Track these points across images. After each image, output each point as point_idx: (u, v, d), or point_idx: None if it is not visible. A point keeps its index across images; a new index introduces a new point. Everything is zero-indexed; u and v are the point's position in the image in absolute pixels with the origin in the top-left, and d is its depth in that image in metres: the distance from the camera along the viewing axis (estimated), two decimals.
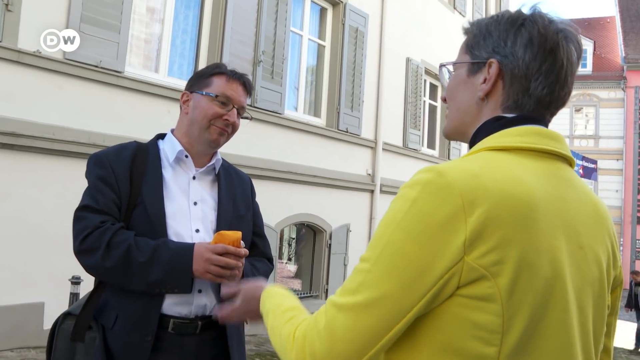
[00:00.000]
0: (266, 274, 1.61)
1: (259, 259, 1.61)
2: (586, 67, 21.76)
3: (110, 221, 1.41)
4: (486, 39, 0.88)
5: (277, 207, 6.12)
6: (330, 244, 7.14)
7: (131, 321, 1.39)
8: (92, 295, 1.45)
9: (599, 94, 21.80)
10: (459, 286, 0.73)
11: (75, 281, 3.67)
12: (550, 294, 0.75)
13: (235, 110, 1.56)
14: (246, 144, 5.56)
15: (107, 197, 1.42)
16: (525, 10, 0.88)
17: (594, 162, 14.43)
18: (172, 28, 5.42)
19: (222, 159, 1.64)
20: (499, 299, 0.72)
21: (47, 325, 4.13)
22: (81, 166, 4.97)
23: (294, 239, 7.27)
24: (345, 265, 7.36)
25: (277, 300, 0.96)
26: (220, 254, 1.37)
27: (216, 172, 1.61)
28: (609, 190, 20.30)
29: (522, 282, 0.73)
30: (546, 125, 0.88)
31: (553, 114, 0.90)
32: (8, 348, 3.97)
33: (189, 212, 1.50)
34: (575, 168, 0.93)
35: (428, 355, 0.76)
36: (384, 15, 8.04)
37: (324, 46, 7.33)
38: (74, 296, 3.67)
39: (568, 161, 0.88)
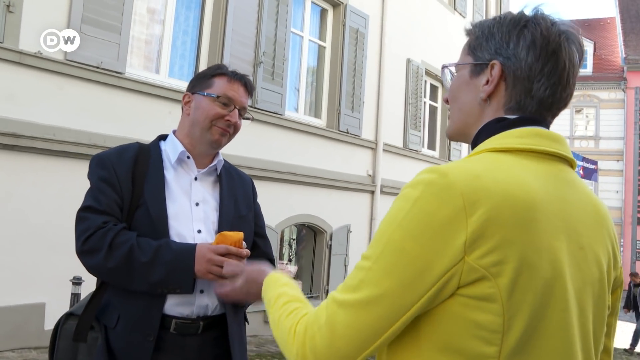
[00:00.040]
0: None
1: (261, 259, 1.61)
2: (586, 68, 21.77)
3: (112, 222, 1.41)
4: (489, 41, 0.89)
5: (277, 207, 6.13)
6: (330, 245, 7.14)
7: (133, 321, 1.40)
8: (94, 295, 1.45)
9: (599, 94, 21.80)
10: (459, 286, 0.74)
11: (77, 282, 3.67)
12: (551, 294, 0.76)
13: (236, 111, 1.56)
14: (247, 145, 5.57)
15: (109, 197, 1.43)
16: (528, 12, 0.89)
17: (594, 163, 14.43)
18: (172, 29, 5.43)
19: (224, 159, 1.65)
20: (499, 298, 0.73)
21: (48, 325, 4.13)
22: (82, 167, 4.97)
23: (294, 239, 7.27)
24: (345, 266, 7.36)
25: (280, 289, 0.96)
26: (222, 255, 1.38)
27: (218, 173, 1.62)
28: (609, 191, 20.30)
29: (523, 282, 0.74)
30: (548, 127, 0.89)
31: (555, 115, 0.90)
32: (9, 348, 3.98)
33: (191, 212, 1.51)
34: (576, 169, 0.94)
35: (430, 353, 0.76)
36: (384, 16, 8.05)
37: (325, 47, 7.33)
38: (75, 297, 3.68)
39: (569, 163, 0.88)
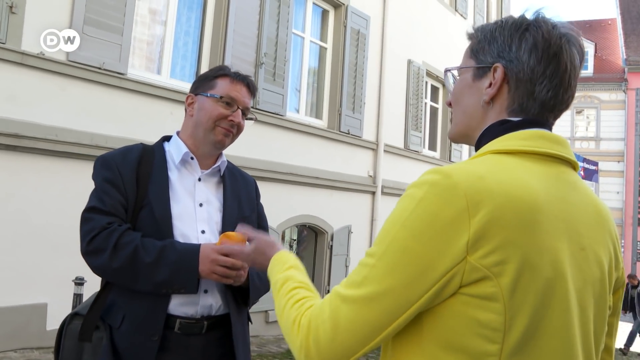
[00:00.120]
0: None
1: None
2: (587, 69, 21.77)
3: (117, 222, 1.42)
4: (491, 44, 0.90)
5: (278, 208, 6.13)
6: (331, 245, 7.15)
7: (138, 321, 1.41)
8: (99, 295, 1.46)
9: (600, 95, 21.81)
10: (461, 285, 0.75)
11: (79, 282, 3.68)
12: (552, 294, 0.77)
13: (239, 111, 1.57)
14: (248, 146, 5.58)
15: (113, 198, 1.44)
16: (529, 15, 0.90)
17: (595, 163, 14.43)
18: (174, 30, 5.44)
19: (227, 160, 1.66)
20: (501, 298, 0.74)
21: (50, 326, 4.15)
22: (84, 167, 5.00)
23: (295, 240, 7.28)
24: (346, 266, 7.37)
25: (287, 272, 0.98)
26: (226, 255, 1.39)
27: (221, 174, 1.63)
28: (609, 192, 20.30)
29: (524, 282, 0.75)
30: (550, 129, 0.90)
31: (557, 116, 0.92)
32: (11, 349, 3.99)
33: (195, 213, 1.52)
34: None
35: (432, 350, 0.78)
36: (385, 17, 8.06)
37: (326, 48, 7.35)
38: (77, 297, 3.69)
39: (572, 165, 0.89)
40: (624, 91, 21.25)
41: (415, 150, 8.87)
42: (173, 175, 1.54)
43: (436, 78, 9.70)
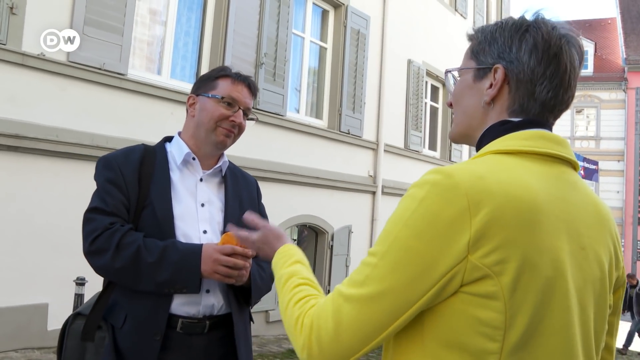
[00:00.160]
0: (272, 275, 1.62)
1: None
2: (587, 69, 21.77)
3: (119, 223, 1.43)
4: (491, 45, 0.91)
5: (279, 208, 6.14)
6: (332, 245, 7.15)
7: (140, 321, 1.41)
8: (101, 295, 1.47)
9: (600, 95, 21.81)
10: (462, 284, 0.76)
11: (80, 282, 3.69)
12: (552, 293, 0.78)
13: (241, 112, 1.58)
14: (248, 146, 5.58)
15: (116, 199, 1.44)
16: (529, 17, 0.91)
17: (595, 163, 14.43)
18: (174, 30, 5.45)
19: (229, 161, 1.66)
20: (501, 296, 0.75)
21: (51, 326, 4.15)
22: (84, 168, 4.99)
23: (295, 240, 7.28)
24: (347, 266, 7.37)
25: (292, 267, 0.98)
26: (228, 255, 1.40)
27: (223, 174, 1.63)
28: (610, 192, 20.31)
29: (524, 281, 0.76)
30: (550, 129, 0.91)
31: (557, 117, 0.92)
32: (12, 349, 3.99)
33: (197, 213, 1.53)
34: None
35: (433, 348, 0.79)
36: (385, 17, 8.07)
37: (326, 48, 7.35)
38: (78, 297, 3.69)
39: (572, 165, 0.90)
40: (623, 90, 21.25)
41: (416, 150, 8.88)
42: (175, 175, 1.54)
43: (436, 78, 9.71)
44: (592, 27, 23.93)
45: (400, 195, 8.41)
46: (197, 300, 1.46)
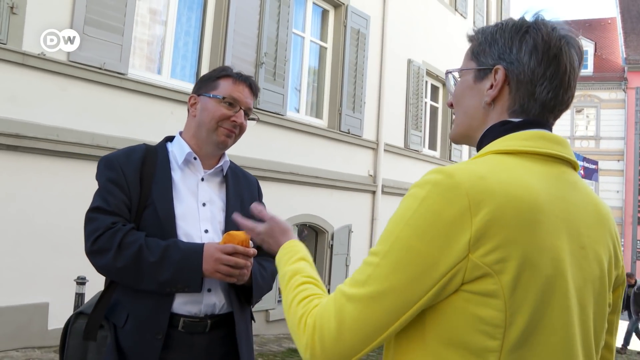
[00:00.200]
0: (273, 274, 1.63)
1: (266, 258, 1.63)
2: (587, 68, 21.78)
3: (121, 222, 1.43)
4: (492, 46, 0.92)
5: (279, 208, 6.14)
6: (332, 245, 7.16)
7: (142, 320, 1.42)
8: (103, 294, 1.47)
9: (599, 94, 21.82)
10: (463, 282, 0.77)
11: (81, 281, 3.69)
12: (552, 292, 0.79)
13: (242, 112, 1.58)
14: (248, 146, 5.58)
15: (117, 198, 1.45)
16: (529, 18, 0.92)
17: (595, 162, 14.43)
18: (175, 30, 5.45)
19: (230, 160, 1.67)
20: (502, 295, 0.76)
21: (52, 325, 4.16)
22: (85, 167, 4.99)
23: None
24: (347, 265, 7.38)
25: (296, 264, 0.99)
26: (230, 254, 1.40)
27: (224, 174, 1.64)
28: (609, 191, 20.32)
29: (525, 280, 0.76)
30: (550, 129, 0.91)
31: (557, 117, 0.93)
32: (13, 348, 4.00)
33: (198, 213, 1.53)
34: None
35: (434, 347, 0.79)
36: (385, 17, 8.07)
37: (326, 48, 7.36)
38: (79, 296, 3.70)
39: (572, 165, 0.91)
40: (623, 90, 21.26)
41: (416, 149, 8.88)
42: (176, 175, 1.55)
43: (436, 77, 9.71)
44: (592, 27, 23.94)
45: (400, 194, 8.44)
46: (199, 300, 1.46)
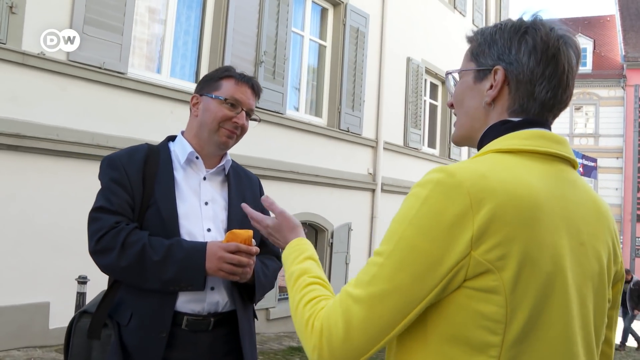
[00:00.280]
0: (275, 272, 1.64)
1: (268, 256, 1.65)
2: (586, 66, 21.79)
3: (124, 222, 1.44)
4: (491, 47, 0.93)
5: None
6: (332, 243, 7.17)
7: (146, 318, 1.43)
8: (107, 293, 1.49)
9: (598, 92, 21.83)
10: (465, 279, 0.78)
11: (82, 281, 3.70)
12: (552, 288, 0.80)
13: (244, 113, 1.59)
14: (248, 144, 5.57)
15: (120, 198, 1.46)
16: (527, 18, 0.93)
17: (594, 160, 14.45)
18: (174, 29, 5.45)
19: (232, 159, 1.68)
20: (503, 291, 0.77)
21: (53, 324, 4.17)
22: (85, 167, 4.98)
23: None
24: (347, 263, 7.40)
25: (303, 264, 0.99)
26: (233, 252, 1.41)
27: (226, 173, 1.65)
28: (608, 189, 20.35)
29: (525, 276, 0.78)
30: (549, 128, 0.93)
31: (556, 115, 0.95)
32: (14, 347, 4.01)
33: (201, 212, 1.54)
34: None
35: (436, 344, 0.81)
36: (384, 15, 8.07)
37: (325, 46, 7.36)
38: (80, 295, 3.71)
39: (571, 163, 0.92)
40: (622, 88, 21.28)
41: (415, 147, 8.89)
42: (178, 174, 1.56)
43: (435, 75, 9.72)
44: (591, 25, 23.94)
45: (400, 192, 8.45)
46: (202, 298, 1.47)
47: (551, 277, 0.80)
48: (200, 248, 1.42)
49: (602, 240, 0.90)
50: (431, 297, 0.79)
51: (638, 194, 20.43)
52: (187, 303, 1.46)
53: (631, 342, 10.14)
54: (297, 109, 6.97)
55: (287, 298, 7.25)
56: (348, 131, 7.35)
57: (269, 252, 1.66)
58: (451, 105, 1.01)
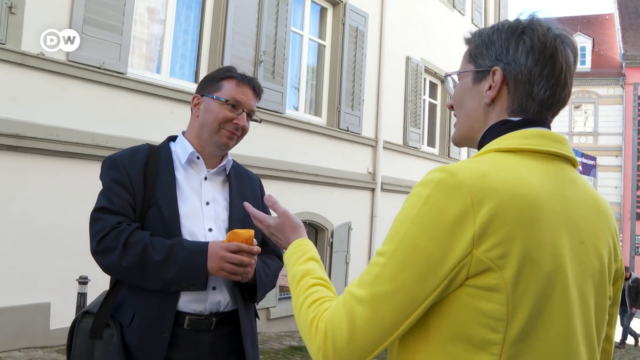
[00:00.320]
0: (276, 271, 1.65)
1: (269, 256, 1.65)
2: (585, 65, 21.81)
3: (126, 222, 1.45)
4: (489, 48, 0.94)
5: None
6: (332, 242, 7.18)
7: (148, 318, 1.43)
8: (109, 294, 1.49)
9: (597, 91, 21.85)
10: (467, 277, 0.78)
11: (83, 281, 3.70)
12: (553, 286, 0.81)
13: (244, 114, 1.60)
14: (247, 144, 5.57)
15: (122, 198, 1.46)
16: (523, 18, 0.94)
17: (593, 158, 14.47)
18: (173, 29, 5.46)
19: (232, 159, 1.68)
20: (504, 289, 0.78)
21: (54, 325, 4.17)
22: (85, 167, 4.97)
23: None
24: (347, 263, 7.40)
25: (306, 265, 0.99)
26: (234, 252, 1.42)
27: (227, 173, 1.65)
28: (608, 187, 20.37)
29: (526, 274, 0.79)
30: (549, 127, 0.94)
31: (555, 114, 0.95)
32: (15, 348, 4.01)
33: (202, 211, 1.55)
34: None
35: (439, 342, 0.81)
36: (383, 14, 8.08)
37: (324, 46, 7.36)
38: (81, 296, 3.71)
39: (571, 162, 0.93)
40: (621, 86, 21.30)
41: (414, 146, 8.90)
42: (180, 174, 1.56)
43: (434, 74, 9.72)
44: (590, 23, 23.96)
45: (400, 191, 8.45)
46: (204, 298, 1.48)
47: (552, 276, 0.80)
48: (201, 248, 1.43)
49: (603, 239, 0.90)
50: (434, 296, 0.79)
51: (637, 192, 20.46)
52: (189, 303, 1.46)
53: (629, 340, 10.15)
54: (296, 109, 6.97)
55: (287, 298, 7.25)
56: (347, 130, 7.35)
57: (270, 251, 1.66)
58: (451, 107, 1.02)
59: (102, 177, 1.52)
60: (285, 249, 1.10)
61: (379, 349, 0.81)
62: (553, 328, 0.81)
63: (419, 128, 9.07)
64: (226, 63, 5.49)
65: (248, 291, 1.56)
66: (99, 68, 4.51)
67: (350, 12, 7.41)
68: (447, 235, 0.78)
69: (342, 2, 7.32)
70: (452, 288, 0.79)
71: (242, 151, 5.48)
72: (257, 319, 1.67)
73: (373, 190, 7.96)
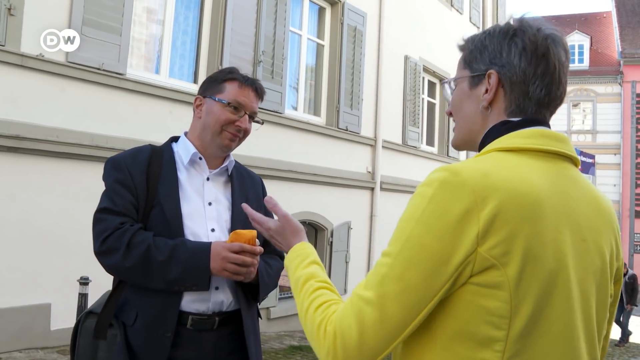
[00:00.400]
0: (278, 271, 1.66)
1: (272, 256, 1.66)
2: (583, 63, 21.85)
3: (129, 222, 1.45)
4: (482, 53, 0.95)
5: None
6: (331, 242, 7.19)
7: (151, 318, 1.44)
8: (112, 294, 1.50)
9: (596, 89, 21.89)
10: (471, 274, 0.80)
11: (84, 282, 3.71)
12: (555, 284, 0.82)
13: (247, 116, 1.60)
14: (247, 144, 5.57)
15: (125, 199, 1.47)
16: (514, 22, 0.95)
17: (592, 156, 14.52)
18: (172, 29, 5.46)
19: (234, 160, 1.69)
20: (507, 287, 0.79)
21: (54, 326, 4.18)
22: (85, 168, 4.97)
23: None
24: (347, 262, 7.41)
25: (308, 269, 1.00)
26: (237, 252, 1.42)
27: (229, 174, 1.66)
28: (606, 185, 20.41)
29: (528, 272, 0.80)
30: (548, 125, 0.95)
31: (552, 112, 0.97)
32: (16, 349, 4.01)
33: (204, 212, 1.55)
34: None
35: (443, 339, 0.82)
36: (382, 14, 8.08)
37: (323, 45, 7.37)
38: (82, 297, 3.71)
39: (572, 161, 0.94)
40: (619, 84, 21.33)
41: (413, 145, 8.91)
42: (182, 175, 1.57)
43: (433, 74, 9.74)
44: (588, 21, 23.99)
45: (399, 191, 8.46)
46: (207, 297, 1.49)
47: (554, 273, 0.82)
48: (204, 248, 1.44)
49: (605, 237, 0.92)
50: (441, 294, 0.80)
51: (636, 190, 20.51)
52: (191, 303, 1.47)
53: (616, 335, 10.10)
54: (295, 109, 6.98)
55: (287, 297, 7.23)
56: (347, 130, 7.36)
57: (272, 251, 1.67)
58: (450, 114, 1.03)
59: (105, 178, 1.53)
60: (286, 252, 1.10)
61: (388, 348, 0.81)
62: (555, 325, 0.82)
63: (418, 127, 9.09)
64: (225, 63, 5.50)
65: (250, 291, 1.57)
66: (98, 69, 4.51)
67: (349, 11, 7.41)
68: (452, 234, 0.79)
69: (340, 1, 7.33)
70: (457, 286, 0.80)
71: (241, 151, 5.47)
72: (259, 318, 1.68)
73: (372, 189, 7.97)
